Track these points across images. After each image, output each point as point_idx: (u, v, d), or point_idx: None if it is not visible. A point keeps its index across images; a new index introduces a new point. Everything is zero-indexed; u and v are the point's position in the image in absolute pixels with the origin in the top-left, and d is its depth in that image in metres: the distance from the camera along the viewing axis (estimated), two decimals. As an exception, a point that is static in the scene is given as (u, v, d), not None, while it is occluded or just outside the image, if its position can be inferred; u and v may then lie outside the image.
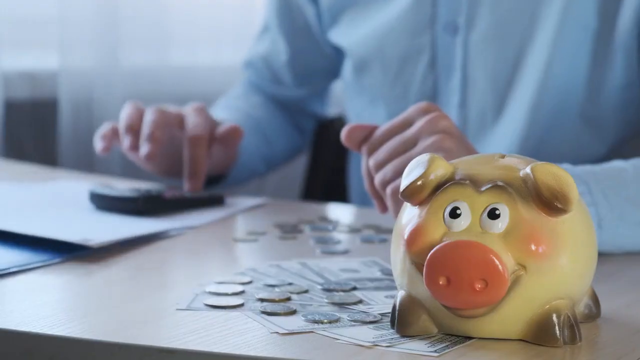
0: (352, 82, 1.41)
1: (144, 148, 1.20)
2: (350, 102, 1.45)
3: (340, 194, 1.60)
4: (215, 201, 1.19)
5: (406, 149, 0.98)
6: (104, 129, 1.25)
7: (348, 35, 1.40)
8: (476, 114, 1.30)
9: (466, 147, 0.99)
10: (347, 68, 1.42)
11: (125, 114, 1.24)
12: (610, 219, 0.97)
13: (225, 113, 1.42)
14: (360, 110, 1.41)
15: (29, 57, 1.79)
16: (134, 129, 1.22)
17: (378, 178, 0.98)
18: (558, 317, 0.70)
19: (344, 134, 1.02)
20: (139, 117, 1.23)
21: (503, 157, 0.74)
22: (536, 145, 1.27)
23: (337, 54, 1.46)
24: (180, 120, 1.24)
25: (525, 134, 1.27)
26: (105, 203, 1.14)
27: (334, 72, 1.49)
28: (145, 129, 1.21)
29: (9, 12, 1.74)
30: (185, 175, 1.22)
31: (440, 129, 0.98)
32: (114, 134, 1.25)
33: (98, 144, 1.25)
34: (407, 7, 1.32)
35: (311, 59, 1.49)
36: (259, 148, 1.45)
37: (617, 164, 1.04)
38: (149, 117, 1.22)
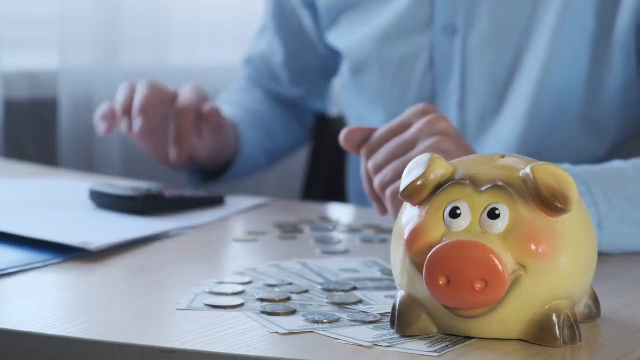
0: (350, 84, 1.42)
1: (137, 124, 1.21)
2: (348, 103, 1.45)
3: (340, 194, 1.60)
4: (215, 201, 1.19)
5: (405, 151, 0.98)
6: (102, 110, 1.26)
7: (346, 38, 1.40)
8: (475, 115, 1.30)
9: (465, 148, 0.99)
10: (345, 70, 1.42)
11: (121, 96, 1.25)
12: (610, 219, 0.97)
13: (226, 107, 1.44)
14: (358, 112, 1.41)
15: (29, 57, 1.79)
16: (130, 110, 1.23)
17: (377, 180, 0.98)
18: (558, 317, 0.70)
19: (342, 136, 1.02)
20: (133, 96, 1.24)
21: (503, 157, 0.74)
22: (535, 146, 1.27)
23: (334, 55, 1.46)
24: (174, 97, 1.27)
25: (525, 135, 1.27)
26: (105, 202, 1.14)
27: (331, 72, 1.50)
28: (136, 104, 1.22)
29: (9, 12, 1.74)
30: (170, 143, 1.25)
31: (438, 130, 0.98)
32: (113, 115, 1.26)
33: (99, 126, 1.26)
34: (405, 9, 1.32)
35: (306, 60, 1.50)
36: (261, 141, 1.47)
37: (617, 163, 1.04)
38: (140, 92, 1.23)
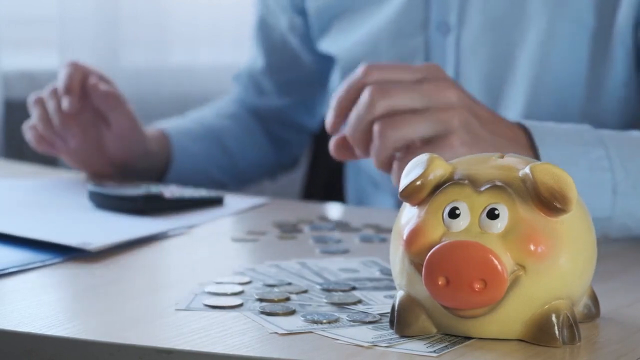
0: None
1: (64, 102, 1.27)
2: None
3: (339, 194, 1.60)
4: (215, 201, 1.19)
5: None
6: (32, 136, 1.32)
7: (339, 42, 1.39)
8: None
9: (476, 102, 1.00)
10: (337, 76, 1.42)
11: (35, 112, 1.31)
12: (625, 186, 0.97)
13: (179, 121, 1.48)
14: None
15: (29, 57, 1.79)
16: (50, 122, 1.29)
17: (378, 158, 0.97)
18: (557, 317, 0.70)
19: (332, 150, 1.03)
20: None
21: (502, 156, 0.74)
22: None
23: (323, 66, 1.46)
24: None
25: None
26: (104, 202, 1.14)
27: (319, 82, 1.50)
28: (60, 87, 1.28)
29: (9, 12, 1.74)
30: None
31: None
32: (41, 136, 1.31)
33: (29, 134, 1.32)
34: (399, 10, 1.32)
35: (289, 72, 1.51)
36: (213, 156, 1.47)
37: (636, 133, 1.04)
38: (53, 102, 1.29)
